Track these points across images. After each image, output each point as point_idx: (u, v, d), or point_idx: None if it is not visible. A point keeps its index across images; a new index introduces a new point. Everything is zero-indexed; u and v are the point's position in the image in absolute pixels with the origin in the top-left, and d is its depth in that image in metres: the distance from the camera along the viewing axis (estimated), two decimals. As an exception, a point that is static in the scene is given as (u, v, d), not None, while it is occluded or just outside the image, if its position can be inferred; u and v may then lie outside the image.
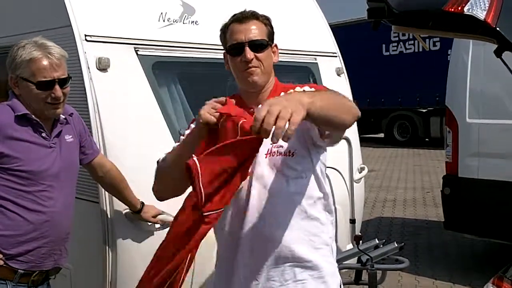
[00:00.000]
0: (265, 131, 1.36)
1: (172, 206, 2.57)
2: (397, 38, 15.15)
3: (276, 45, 1.84)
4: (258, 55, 1.74)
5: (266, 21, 1.81)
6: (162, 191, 1.81)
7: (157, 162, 1.80)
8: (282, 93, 1.82)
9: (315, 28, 3.83)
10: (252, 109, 1.77)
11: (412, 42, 14.70)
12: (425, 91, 14.14)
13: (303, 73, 3.67)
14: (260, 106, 1.41)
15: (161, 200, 1.88)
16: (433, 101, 13.99)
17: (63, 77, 2.09)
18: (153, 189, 1.80)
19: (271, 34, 1.81)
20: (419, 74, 14.34)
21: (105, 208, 2.56)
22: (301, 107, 1.40)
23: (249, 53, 1.73)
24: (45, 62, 2.05)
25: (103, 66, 2.63)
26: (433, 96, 13.63)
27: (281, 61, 3.36)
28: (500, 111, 4.81)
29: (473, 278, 4.81)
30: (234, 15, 1.81)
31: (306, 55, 3.65)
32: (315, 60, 3.72)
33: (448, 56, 6.32)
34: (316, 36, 3.80)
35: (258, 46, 1.75)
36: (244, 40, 1.74)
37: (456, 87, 5.10)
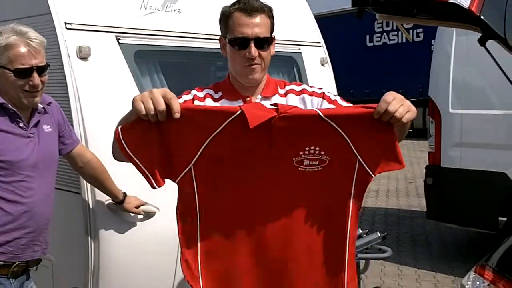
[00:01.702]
0: (390, 114, 1.43)
1: (156, 197, 2.58)
2: (380, 29, 15.20)
3: (274, 37, 1.82)
4: (262, 52, 1.72)
5: (270, 13, 1.78)
6: (114, 152, 1.69)
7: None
8: (280, 89, 1.84)
9: (300, 18, 3.80)
10: (248, 98, 1.78)
11: (395, 33, 14.76)
12: (408, 82, 14.23)
13: (287, 63, 3.65)
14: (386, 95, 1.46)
15: (117, 160, 1.72)
16: (416, 92, 14.08)
17: (42, 64, 2.05)
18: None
19: (273, 27, 1.79)
20: (402, 65, 14.43)
21: (86, 199, 2.52)
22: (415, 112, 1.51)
23: (255, 51, 1.70)
24: (23, 49, 2.00)
25: (84, 54, 2.58)
26: (416, 87, 13.73)
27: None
28: (483, 101, 4.85)
29: (455, 266, 4.87)
30: (240, 2, 1.74)
31: (290, 44, 3.63)
32: (299, 50, 3.70)
33: (431, 47, 6.36)
34: (300, 26, 3.78)
35: (264, 43, 1.73)
36: (250, 36, 1.70)
37: (439, 78, 5.14)
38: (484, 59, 2.46)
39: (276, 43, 3.44)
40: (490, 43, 2.22)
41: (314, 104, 1.78)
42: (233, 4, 1.76)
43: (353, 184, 1.50)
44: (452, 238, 5.84)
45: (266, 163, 1.46)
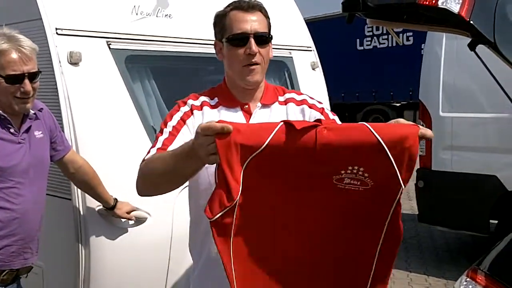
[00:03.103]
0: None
1: (147, 203, 2.56)
2: (371, 33, 15.27)
3: (272, 37, 1.74)
4: (261, 50, 1.65)
5: (266, 13, 1.72)
6: (146, 191, 1.64)
7: (143, 160, 1.62)
8: (280, 96, 1.76)
9: (290, 22, 3.82)
10: (246, 105, 1.71)
11: (385, 36, 14.82)
12: (399, 85, 14.30)
13: (278, 67, 3.65)
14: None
15: (141, 196, 1.70)
16: (407, 95, 14.15)
17: (33, 71, 2.04)
18: (137, 186, 1.63)
19: (270, 27, 1.73)
20: (392, 68, 14.49)
21: (77, 205, 2.51)
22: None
23: (255, 46, 1.63)
24: (14, 55, 1.99)
25: (74, 60, 2.57)
26: (407, 90, 13.79)
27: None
28: (473, 104, 4.88)
29: (447, 270, 4.89)
30: (235, 2, 1.69)
31: (281, 49, 3.64)
32: (290, 54, 3.71)
33: (421, 51, 6.39)
34: (291, 30, 3.79)
35: (263, 39, 1.66)
36: (249, 31, 1.63)
37: (429, 81, 5.16)
38: (474, 62, 2.48)
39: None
40: (480, 47, 2.24)
41: (311, 118, 1.71)
42: (228, 5, 1.71)
43: (391, 211, 1.38)
44: (443, 241, 5.87)
45: (305, 179, 1.36)
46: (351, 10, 2.30)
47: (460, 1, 2.05)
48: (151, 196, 1.70)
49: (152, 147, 1.64)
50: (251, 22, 1.64)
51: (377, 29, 14.57)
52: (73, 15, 2.69)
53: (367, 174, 1.34)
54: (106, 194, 2.46)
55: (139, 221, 2.59)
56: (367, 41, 15.59)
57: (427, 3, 2.07)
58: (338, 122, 1.73)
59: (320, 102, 1.81)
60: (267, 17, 1.71)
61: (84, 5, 2.76)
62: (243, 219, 1.35)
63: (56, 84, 2.51)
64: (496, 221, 4.67)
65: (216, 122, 1.30)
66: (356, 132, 1.33)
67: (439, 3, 2.05)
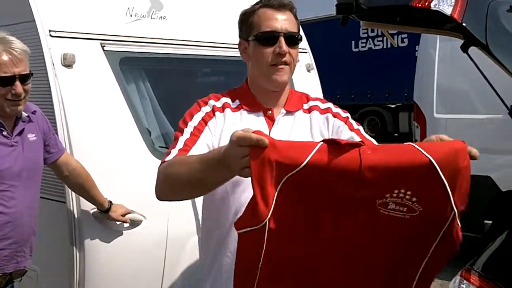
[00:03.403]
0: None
1: (142, 205, 2.56)
2: (366, 35, 15.30)
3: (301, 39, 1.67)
4: (291, 50, 1.57)
5: (296, 14, 1.63)
6: (166, 196, 1.51)
7: (163, 161, 1.49)
8: (304, 104, 1.69)
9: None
10: (269, 111, 1.62)
11: (380, 38, 14.86)
12: (394, 87, 14.33)
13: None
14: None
15: (161, 200, 1.56)
16: (402, 97, 14.18)
17: (24, 73, 2.03)
18: (156, 190, 1.49)
19: (299, 28, 1.65)
20: (388, 70, 14.53)
21: (71, 208, 2.49)
22: None
23: (285, 46, 1.55)
24: (5, 57, 1.98)
25: (68, 62, 2.56)
26: (402, 92, 13.82)
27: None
28: (467, 106, 4.90)
29: (442, 270, 4.89)
30: (263, 0, 1.60)
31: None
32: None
33: (416, 53, 6.41)
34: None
35: (294, 40, 1.58)
36: (280, 30, 1.55)
37: (423, 83, 5.18)
38: (467, 64, 2.49)
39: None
40: (473, 49, 2.25)
41: (334, 127, 1.65)
42: (256, 3, 1.62)
43: (438, 239, 1.27)
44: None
45: (345, 203, 1.23)
46: (345, 13, 2.32)
47: (453, 4, 2.07)
48: (171, 201, 1.63)
49: (172, 148, 1.53)
50: (282, 21, 1.57)
51: (372, 31, 14.60)
52: (66, 17, 2.68)
53: (415, 198, 1.20)
54: (101, 197, 2.45)
55: (134, 223, 2.57)
56: (362, 43, 15.62)
57: (420, 5, 2.08)
58: (363, 133, 1.66)
59: (344, 111, 1.72)
60: (296, 18, 1.63)
61: (77, 7, 2.76)
62: (273, 242, 1.22)
63: (49, 87, 2.50)
64: (490, 222, 4.69)
65: (253, 132, 1.18)
66: (403, 152, 1.21)
67: (432, 5, 2.06)
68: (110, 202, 2.48)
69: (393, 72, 14.27)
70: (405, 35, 13.72)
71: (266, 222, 1.19)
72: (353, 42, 15.67)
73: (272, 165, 1.17)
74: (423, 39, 5.25)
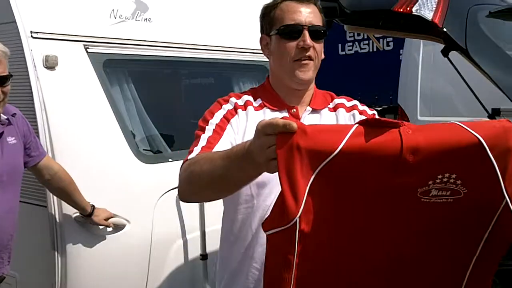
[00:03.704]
0: None
1: (126, 209, 2.54)
2: (352, 38, 15.36)
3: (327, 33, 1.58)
4: (316, 45, 1.49)
5: (320, 8, 1.55)
6: (190, 196, 1.39)
7: (186, 160, 1.39)
8: (329, 102, 1.62)
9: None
10: (294, 109, 1.54)
11: (366, 42, 14.91)
12: (380, 90, 14.41)
13: (259, 71, 3.66)
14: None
15: (184, 201, 1.46)
16: (387, 100, 14.27)
17: (3, 74, 2.00)
18: (179, 190, 1.38)
19: (324, 23, 1.56)
20: (374, 73, 14.61)
21: (53, 212, 2.46)
22: None
23: (309, 39, 1.46)
24: (-18, 59, 1.96)
25: (50, 64, 2.53)
26: (387, 95, 13.92)
27: (237, 59, 3.33)
28: (450, 109, 4.95)
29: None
30: None
31: (262, 54, 3.65)
32: (271, 59, 3.73)
33: (400, 56, 6.47)
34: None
35: (318, 34, 1.50)
36: (304, 23, 1.47)
37: (407, 86, 5.23)
38: (450, 67, 2.52)
39: (249, 52, 3.48)
40: (454, 53, 2.28)
41: None
42: None
43: (488, 231, 1.14)
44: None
45: (385, 193, 1.09)
46: (329, 17, 2.32)
47: (434, 9, 2.09)
48: (194, 202, 1.54)
49: (194, 146, 1.43)
50: (306, 14, 1.48)
51: (358, 34, 14.66)
52: (49, 18, 2.65)
53: (459, 181, 1.08)
54: (83, 201, 2.43)
55: (118, 228, 2.55)
56: (348, 46, 15.67)
57: (402, 10, 2.10)
58: None
59: (371, 109, 1.65)
60: (321, 12, 1.55)
61: (60, 8, 2.73)
62: (305, 243, 1.08)
63: (31, 89, 2.47)
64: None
65: (280, 118, 1.05)
66: (447, 132, 1.08)
67: (413, 10, 2.08)
68: (93, 206, 2.46)
69: (379, 74, 14.36)
70: (391, 39, 13.79)
71: (296, 221, 1.04)
72: (339, 45, 15.75)
73: (301, 153, 1.02)
74: (407, 43, 5.30)
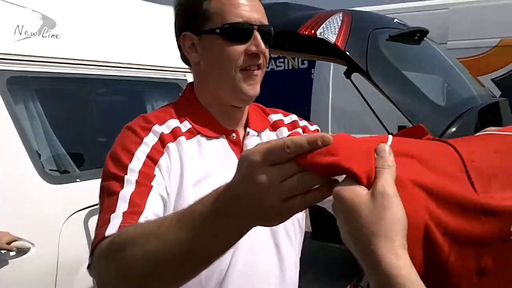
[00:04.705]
0: None
1: (30, 231, 2.43)
2: (269, 56, 15.76)
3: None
4: (266, 50, 1.18)
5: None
6: None
7: (98, 241, 0.91)
8: (268, 117, 1.34)
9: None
10: (234, 134, 1.20)
11: (282, 60, 15.39)
12: (295, 107, 14.71)
13: (171, 89, 3.66)
14: None
15: None
16: (304, 117, 14.61)
17: None
18: None
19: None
20: (289, 90, 15.02)
21: (-51, 237, 2.31)
22: None
23: (262, 43, 1.14)
24: None
25: None
26: (303, 112, 14.33)
27: (149, 77, 3.32)
28: (360, 126, 5.19)
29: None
30: None
31: (176, 71, 3.65)
32: (185, 76, 3.74)
33: (312, 75, 6.72)
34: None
35: (267, 36, 1.17)
36: (254, 21, 1.14)
37: (319, 105, 5.43)
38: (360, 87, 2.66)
39: (162, 70, 3.48)
40: (356, 76, 2.42)
41: None
42: None
43: None
44: (337, 257, 6.12)
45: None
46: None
47: (337, 32, 2.21)
48: None
49: (107, 212, 0.95)
50: (255, 10, 1.15)
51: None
52: None
53: None
54: (-17, 225, 2.30)
55: (21, 251, 2.44)
56: (265, 64, 16.05)
57: (306, 33, 2.20)
58: None
59: (311, 124, 1.40)
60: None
61: (-41, 22, 2.60)
62: None
63: None
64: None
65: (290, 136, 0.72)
66: (496, 143, 0.80)
67: (318, 33, 2.19)
68: (-6, 230, 2.33)
69: (294, 92, 14.78)
70: (305, 58, 14.31)
71: None
72: (257, 63, 16.06)
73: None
74: (318, 62, 5.51)
